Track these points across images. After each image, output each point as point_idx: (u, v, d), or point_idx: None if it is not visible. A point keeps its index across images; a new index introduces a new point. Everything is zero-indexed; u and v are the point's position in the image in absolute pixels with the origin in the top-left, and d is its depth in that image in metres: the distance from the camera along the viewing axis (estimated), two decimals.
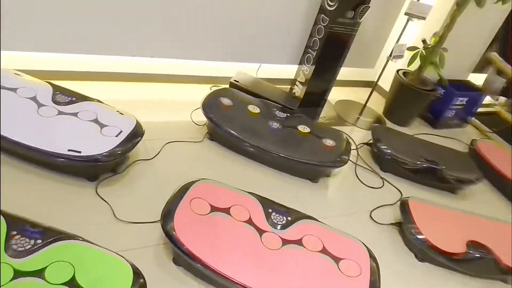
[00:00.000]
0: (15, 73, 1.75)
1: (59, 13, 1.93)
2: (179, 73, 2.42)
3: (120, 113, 1.76)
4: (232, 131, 1.95)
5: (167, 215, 1.40)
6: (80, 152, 1.51)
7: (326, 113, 2.71)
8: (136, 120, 1.74)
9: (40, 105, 1.65)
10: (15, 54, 1.97)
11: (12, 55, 1.97)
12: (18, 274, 1.13)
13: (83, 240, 1.25)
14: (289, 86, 2.68)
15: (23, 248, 1.18)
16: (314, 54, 2.42)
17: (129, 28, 2.12)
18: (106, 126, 1.66)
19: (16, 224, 1.24)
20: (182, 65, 2.41)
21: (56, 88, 1.77)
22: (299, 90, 2.57)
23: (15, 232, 1.21)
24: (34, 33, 1.93)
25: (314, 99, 2.59)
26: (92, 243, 1.25)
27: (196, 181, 1.56)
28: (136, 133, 1.70)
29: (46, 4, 1.88)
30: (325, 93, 2.62)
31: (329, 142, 2.08)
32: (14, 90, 1.66)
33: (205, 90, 2.28)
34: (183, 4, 2.15)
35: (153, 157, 1.83)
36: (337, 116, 2.74)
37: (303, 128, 2.14)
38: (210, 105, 2.04)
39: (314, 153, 2.00)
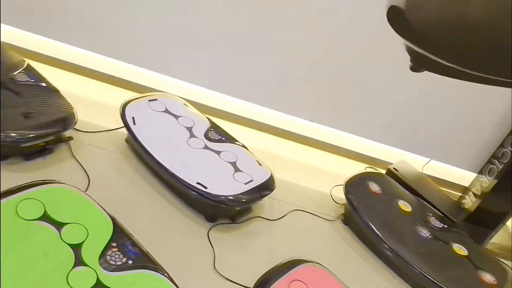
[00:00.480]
0: (184, 103, 1.90)
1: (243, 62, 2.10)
2: (335, 143, 2.31)
3: (259, 163, 1.72)
4: (370, 223, 1.70)
5: (261, 286, 1.25)
6: (206, 188, 1.50)
7: (498, 240, 2.19)
8: (271, 174, 1.68)
9: (192, 135, 1.73)
10: (189, 87, 2.16)
11: (186, 87, 2.16)
12: (99, 285, 1.11)
13: (168, 277, 1.19)
14: (459, 194, 2.29)
15: (114, 263, 1.17)
16: (500, 167, 2.04)
17: (296, 90, 2.17)
18: (241, 171, 1.64)
19: (120, 237, 1.25)
20: (341, 137, 2.30)
21: (212, 125, 1.84)
22: (470, 203, 2.17)
23: (115, 244, 1.22)
24: (212, 72, 2.14)
25: (487, 218, 2.14)
26: (175, 283, 1.18)
27: (306, 261, 1.38)
28: (266, 187, 1.62)
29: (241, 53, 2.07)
30: (503, 216, 2.13)
31: (487, 277, 1.64)
32: (176, 117, 1.79)
33: (358, 168, 2.10)
34: (358, 80, 2.12)
35: (276, 219, 1.71)
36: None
37: (459, 248, 1.75)
38: (355, 185, 1.84)
39: (464, 283, 1.61)
